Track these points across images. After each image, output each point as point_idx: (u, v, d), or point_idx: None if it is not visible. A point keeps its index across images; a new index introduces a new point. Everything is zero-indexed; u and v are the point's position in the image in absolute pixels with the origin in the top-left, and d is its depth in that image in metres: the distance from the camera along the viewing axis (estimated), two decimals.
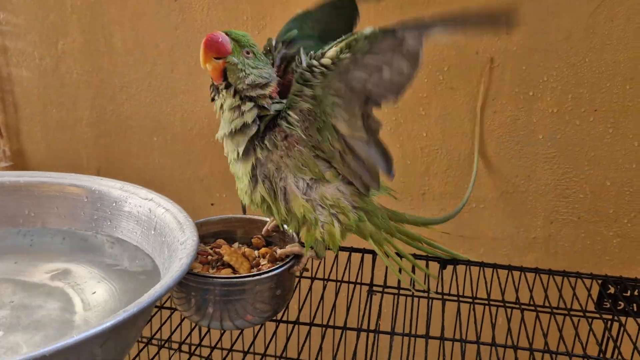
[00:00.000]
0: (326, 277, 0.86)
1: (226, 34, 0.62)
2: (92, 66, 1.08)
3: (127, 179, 0.77)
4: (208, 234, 0.79)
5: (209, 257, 0.73)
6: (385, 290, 0.86)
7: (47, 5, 1.06)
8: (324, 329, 0.77)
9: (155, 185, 0.75)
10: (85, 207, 0.78)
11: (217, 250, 0.74)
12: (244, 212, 0.81)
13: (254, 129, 0.63)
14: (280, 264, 0.68)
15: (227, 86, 0.63)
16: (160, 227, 0.69)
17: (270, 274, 0.66)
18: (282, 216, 0.66)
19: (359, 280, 0.86)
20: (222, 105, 0.64)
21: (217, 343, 0.76)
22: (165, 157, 1.10)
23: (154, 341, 0.78)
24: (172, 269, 0.55)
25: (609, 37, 0.87)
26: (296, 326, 0.77)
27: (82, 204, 0.78)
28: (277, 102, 0.64)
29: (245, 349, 0.73)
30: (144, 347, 0.74)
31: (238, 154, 0.64)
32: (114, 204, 0.76)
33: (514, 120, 0.93)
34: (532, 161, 0.95)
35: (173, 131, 1.08)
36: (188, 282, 0.66)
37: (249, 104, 0.63)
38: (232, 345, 0.73)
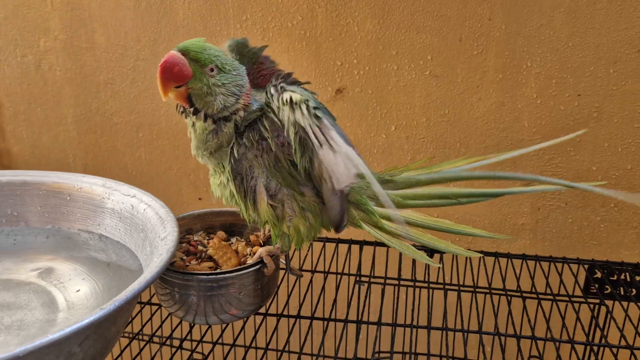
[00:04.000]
0: (326, 270, 0.86)
1: (182, 52, 0.56)
2: (75, 63, 1.07)
3: (114, 175, 0.76)
4: (216, 225, 0.79)
5: (199, 248, 0.73)
6: (372, 280, 0.86)
7: (27, 1, 1.05)
8: (325, 322, 0.77)
9: (142, 181, 0.75)
10: (68, 205, 0.77)
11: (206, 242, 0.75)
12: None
13: (232, 139, 0.61)
14: (258, 260, 0.67)
15: (196, 111, 0.59)
16: (142, 223, 0.69)
17: (244, 271, 0.66)
18: (250, 216, 0.64)
19: (358, 272, 0.86)
20: (193, 124, 0.61)
21: (203, 336, 0.76)
22: (151, 152, 1.09)
23: (138, 336, 0.78)
24: (150, 266, 0.55)
25: (591, 21, 0.86)
26: (294, 320, 0.77)
27: (65, 202, 0.77)
28: (256, 102, 0.62)
29: (232, 342, 0.73)
30: (129, 343, 0.73)
31: (211, 152, 0.63)
32: (97, 201, 0.76)
33: (499, 106, 0.93)
34: (517, 146, 0.95)
35: (159, 126, 1.07)
36: (170, 277, 0.66)
37: (226, 125, 0.60)
38: (218, 339, 0.73)
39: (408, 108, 0.96)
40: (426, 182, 0.69)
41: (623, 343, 0.71)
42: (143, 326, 0.81)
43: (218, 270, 0.66)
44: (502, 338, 0.71)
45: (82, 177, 0.78)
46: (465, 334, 0.72)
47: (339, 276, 0.84)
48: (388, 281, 0.85)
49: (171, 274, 0.66)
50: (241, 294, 0.67)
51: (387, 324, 0.74)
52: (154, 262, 0.56)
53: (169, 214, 0.67)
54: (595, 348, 0.77)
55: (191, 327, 0.77)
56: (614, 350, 0.71)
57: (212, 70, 0.58)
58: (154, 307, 0.84)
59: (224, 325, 0.73)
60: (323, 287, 0.82)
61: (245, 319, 0.72)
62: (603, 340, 0.75)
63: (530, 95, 0.92)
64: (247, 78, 0.62)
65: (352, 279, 0.85)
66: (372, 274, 0.90)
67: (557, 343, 0.70)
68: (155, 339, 0.82)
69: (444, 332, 0.72)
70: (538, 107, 0.92)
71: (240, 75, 0.60)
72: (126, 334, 0.74)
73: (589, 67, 0.89)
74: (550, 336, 0.71)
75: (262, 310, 0.74)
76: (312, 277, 0.86)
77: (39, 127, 1.12)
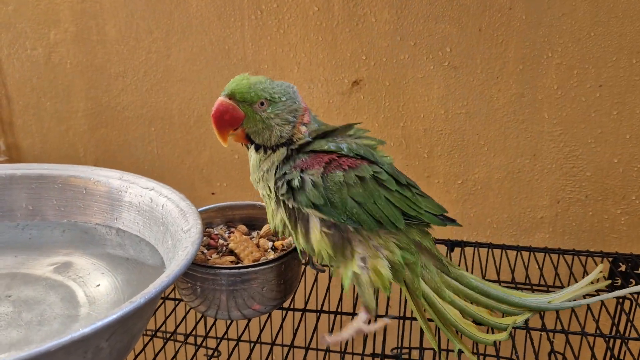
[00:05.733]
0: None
1: (229, 96, 0.56)
2: (86, 55, 1.05)
3: (126, 170, 0.75)
4: (236, 218, 0.78)
5: (220, 242, 0.72)
6: None
7: None
8: (333, 315, 0.75)
9: (154, 176, 0.73)
10: (85, 199, 0.76)
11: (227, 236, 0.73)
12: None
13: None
14: (281, 254, 0.66)
15: (257, 147, 0.59)
16: (163, 216, 0.68)
17: (267, 265, 0.64)
18: (300, 245, 0.61)
19: None
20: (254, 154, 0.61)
21: (224, 334, 0.75)
22: (163, 146, 1.08)
23: (159, 334, 0.77)
24: (177, 258, 0.53)
25: (614, 10, 0.85)
26: (305, 314, 0.75)
27: (82, 196, 0.76)
28: (314, 123, 0.61)
29: (254, 339, 0.72)
30: (149, 340, 0.72)
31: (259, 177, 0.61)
32: (114, 195, 0.74)
33: (519, 97, 0.92)
34: (537, 140, 0.93)
35: (171, 120, 1.06)
36: (192, 271, 0.65)
37: (282, 149, 0.59)
38: (240, 336, 0.71)
39: (426, 100, 0.94)
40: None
41: None
42: (164, 322, 0.79)
43: (240, 265, 0.64)
44: (530, 332, 0.70)
45: (98, 170, 0.77)
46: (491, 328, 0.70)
47: None
48: None
49: (194, 268, 0.64)
50: (264, 288, 0.65)
51: (409, 318, 0.73)
52: (179, 255, 0.55)
53: (191, 207, 0.65)
54: (620, 341, 0.76)
55: (197, 322, 0.75)
56: None
57: (262, 104, 0.57)
58: (170, 302, 0.83)
59: (245, 321, 0.72)
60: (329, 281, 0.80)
61: (268, 314, 0.71)
62: (629, 333, 0.74)
63: (551, 86, 0.90)
64: (301, 96, 0.60)
65: None
66: None
67: (585, 337, 0.69)
68: (179, 337, 0.81)
69: None
70: (559, 99, 0.90)
71: (291, 98, 0.59)
72: (148, 332, 0.73)
73: (611, 57, 0.87)
74: (580, 330, 0.70)
75: (285, 305, 0.72)
76: (330, 271, 0.84)
77: (49, 121, 1.11)
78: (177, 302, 0.81)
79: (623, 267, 0.84)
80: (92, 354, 0.46)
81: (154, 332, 0.77)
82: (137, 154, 1.09)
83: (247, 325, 0.73)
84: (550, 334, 0.70)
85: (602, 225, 0.96)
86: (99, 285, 0.63)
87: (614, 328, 0.79)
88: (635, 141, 0.91)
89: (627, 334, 0.84)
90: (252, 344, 0.70)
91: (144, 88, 1.05)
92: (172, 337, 0.79)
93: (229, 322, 0.76)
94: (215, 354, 0.78)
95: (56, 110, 1.10)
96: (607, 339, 0.69)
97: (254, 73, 0.99)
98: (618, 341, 0.83)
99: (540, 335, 0.83)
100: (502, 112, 0.93)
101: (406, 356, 0.87)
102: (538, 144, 0.94)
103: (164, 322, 0.80)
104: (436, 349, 0.65)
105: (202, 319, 0.75)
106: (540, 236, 0.98)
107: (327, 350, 0.68)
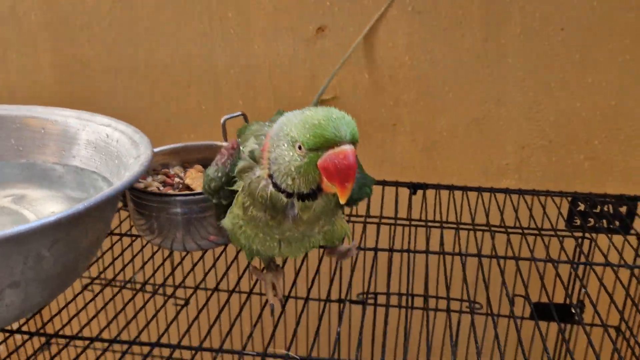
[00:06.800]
0: None
1: (353, 142, 0.47)
2: (50, 7, 1.04)
3: None
4: (193, 160, 0.77)
5: (176, 180, 0.72)
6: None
7: None
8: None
9: None
10: (43, 139, 0.76)
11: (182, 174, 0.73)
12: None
13: None
14: None
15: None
16: (117, 150, 0.68)
17: None
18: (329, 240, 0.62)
19: None
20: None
21: (198, 285, 0.74)
22: (130, 99, 1.07)
23: (128, 285, 0.75)
24: (124, 175, 0.54)
25: None
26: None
27: (40, 136, 0.76)
28: None
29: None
30: (118, 291, 0.70)
31: None
32: (71, 133, 0.74)
33: (483, 42, 0.92)
34: (501, 86, 0.94)
35: (137, 72, 1.05)
36: (147, 202, 0.65)
37: None
38: (217, 285, 0.72)
39: (390, 47, 0.94)
40: None
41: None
42: (134, 274, 0.79)
43: (195, 192, 0.65)
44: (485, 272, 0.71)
45: (56, 110, 0.77)
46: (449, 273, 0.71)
47: None
48: (368, 219, 0.85)
49: (148, 198, 0.65)
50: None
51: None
52: (126, 175, 0.55)
53: (143, 138, 0.65)
54: (582, 268, 0.77)
55: (184, 278, 0.74)
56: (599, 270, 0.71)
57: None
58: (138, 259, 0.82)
59: (206, 269, 0.71)
60: None
61: (224, 245, 0.71)
62: (590, 273, 0.74)
63: (514, 30, 0.90)
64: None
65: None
66: (350, 213, 0.89)
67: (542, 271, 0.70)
68: (148, 288, 0.80)
69: (426, 268, 0.71)
70: (522, 43, 0.91)
71: None
72: (118, 282, 0.73)
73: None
74: (539, 274, 0.71)
75: None
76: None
77: (15, 74, 1.10)
78: (143, 253, 0.81)
79: (582, 207, 0.85)
80: (33, 261, 0.46)
81: (123, 284, 0.76)
82: (104, 106, 1.08)
83: (222, 276, 0.73)
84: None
85: (566, 170, 0.97)
86: (53, 212, 0.63)
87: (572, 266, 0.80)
88: (597, 85, 0.91)
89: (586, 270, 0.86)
90: (210, 292, 0.70)
91: (109, 39, 1.04)
92: (142, 289, 0.79)
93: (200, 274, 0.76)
94: (184, 302, 0.77)
95: (22, 64, 1.09)
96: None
97: (218, 21, 0.98)
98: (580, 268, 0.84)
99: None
100: (467, 57, 0.93)
101: (372, 301, 0.88)
102: (502, 90, 0.94)
103: (135, 274, 0.80)
104: None
105: (172, 273, 0.74)
106: (506, 183, 0.99)
107: (289, 297, 0.67)
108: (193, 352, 0.56)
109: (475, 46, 0.92)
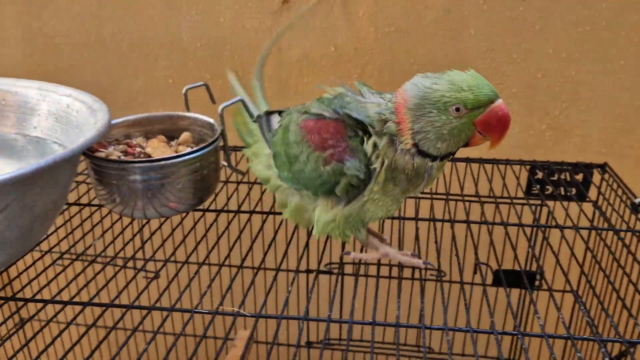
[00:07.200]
0: None
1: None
2: None
3: None
4: (155, 130, 0.78)
5: (137, 149, 0.72)
6: None
7: None
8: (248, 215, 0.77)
9: None
10: (4, 110, 0.75)
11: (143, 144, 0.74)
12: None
13: None
14: (194, 149, 0.67)
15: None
16: (77, 120, 0.68)
17: (181, 158, 0.65)
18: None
19: None
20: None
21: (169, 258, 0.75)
22: (97, 73, 1.07)
23: (99, 259, 0.76)
24: (79, 139, 0.54)
25: None
26: (233, 215, 0.76)
27: (1, 107, 0.76)
28: None
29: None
30: (89, 265, 0.71)
31: None
32: (32, 104, 0.74)
33: (446, 13, 0.93)
34: (465, 57, 0.95)
35: (104, 46, 1.04)
36: (107, 170, 0.66)
37: None
38: (187, 258, 0.72)
39: (356, 18, 0.95)
40: None
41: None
42: (104, 249, 0.79)
43: (153, 158, 0.65)
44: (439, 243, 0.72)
45: (17, 81, 0.76)
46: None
47: None
48: None
49: (108, 165, 0.65)
50: (179, 184, 0.66)
51: None
52: (80, 140, 0.55)
53: (102, 106, 0.66)
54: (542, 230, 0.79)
55: (154, 252, 0.75)
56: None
57: None
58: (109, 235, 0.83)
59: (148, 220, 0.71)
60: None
61: (184, 214, 0.72)
62: (548, 242, 0.76)
63: (477, 1, 0.91)
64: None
65: None
66: None
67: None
68: (119, 262, 0.81)
69: (393, 234, 0.73)
70: (484, 13, 0.92)
71: None
72: (89, 256, 0.73)
73: None
74: (491, 241, 0.72)
75: (202, 206, 0.74)
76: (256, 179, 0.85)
77: None
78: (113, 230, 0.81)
79: (540, 175, 0.87)
80: None
81: (94, 257, 0.76)
82: (72, 81, 1.06)
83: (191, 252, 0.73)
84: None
85: (528, 141, 0.99)
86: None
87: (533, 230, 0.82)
88: (558, 56, 0.93)
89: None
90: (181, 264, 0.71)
91: (74, 12, 1.03)
92: (111, 262, 0.79)
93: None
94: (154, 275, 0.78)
95: None
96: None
97: None
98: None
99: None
100: (430, 29, 0.94)
101: (340, 271, 0.90)
102: (466, 61, 0.95)
103: (94, 241, 0.80)
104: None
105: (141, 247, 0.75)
106: (468, 152, 1.01)
107: (260, 268, 0.68)
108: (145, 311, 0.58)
109: (438, 17, 0.93)
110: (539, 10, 0.91)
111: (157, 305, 0.58)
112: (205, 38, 1.00)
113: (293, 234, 0.72)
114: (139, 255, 0.85)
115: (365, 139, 0.56)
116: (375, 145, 0.55)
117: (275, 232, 0.73)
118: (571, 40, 0.92)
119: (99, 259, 0.77)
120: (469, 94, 0.50)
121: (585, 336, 0.57)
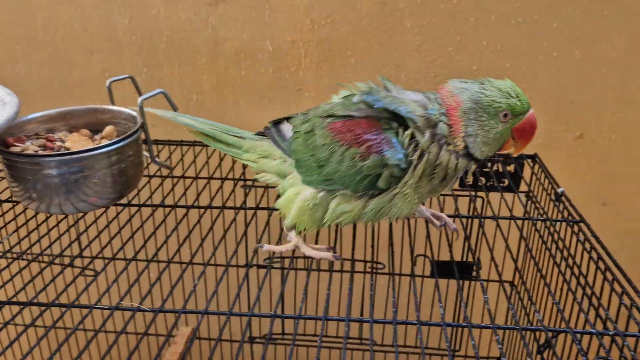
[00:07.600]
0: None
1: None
2: None
3: None
4: (80, 124, 0.76)
5: (57, 144, 0.71)
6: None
7: None
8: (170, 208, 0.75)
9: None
10: None
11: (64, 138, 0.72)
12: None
13: None
14: (111, 141, 0.66)
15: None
16: None
17: (97, 151, 0.64)
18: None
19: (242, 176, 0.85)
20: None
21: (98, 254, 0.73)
22: (32, 67, 1.04)
23: (25, 256, 0.73)
24: None
25: None
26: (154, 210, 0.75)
27: None
28: None
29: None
30: (13, 261, 0.69)
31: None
32: None
33: (382, 6, 0.93)
34: (401, 50, 0.95)
35: (36, 38, 1.02)
36: (22, 165, 0.64)
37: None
38: (115, 255, 0.71)
39: (292, 9, 0.94)
40: None
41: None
42: (30, 246, 0.77)
43: (68, 151, 0.64)
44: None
45: None
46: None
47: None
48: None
49: (20, 160, 0.63)
50: (96, 178, 0.65)
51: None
52: None
53: (14, 98, 0.64)
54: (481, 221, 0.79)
55: (85, 247, 0.72)
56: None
57: None
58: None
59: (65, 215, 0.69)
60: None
61: (105, 208, 0.71)
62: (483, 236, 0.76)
63: None
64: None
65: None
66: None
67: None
68: (45, 258, 0.79)
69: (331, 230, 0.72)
70: (419, 7, 0.92)
71: None
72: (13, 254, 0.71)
73: None
74: (428, 233, 0.73)
75: (124, 201, 0.72)
76: (184, 172, 0.85)
77: None
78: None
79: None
80: None
81: (19, 254, 0.74)
82: (5, 74, 1.04)
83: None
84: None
85: None
86: None
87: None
88: (492, 48, 0.94)
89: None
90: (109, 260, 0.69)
91: (3, 5, 1.00)
92: (36, 259, 0.77)
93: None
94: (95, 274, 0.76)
95: None
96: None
97: None
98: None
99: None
100: (366, 21, 0.94)
101: (278, 264, 0.89)
102: (402, 54, 0.96)
103: (31, 246, 0.78)
104: None
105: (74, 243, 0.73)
106: None
107: (191, 263, 0.67)
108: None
109: (374, 10, 0.93)
110: (473, 2, 0.91)
111: (76, 303, 0.57)
112: (139, 30, 0.98)
113: (228, 228, 0.71)
114: (68, 252, 0.83)
115: (400, 131, 0.56)
116: (412, 138, 0.56)
117: (211, 227, 0.72)
118: (505, 33, 0.93)
119: (25, 256, 0.75)
120: (516, 101, 0.54)
121: (507, 325, 0.57)
